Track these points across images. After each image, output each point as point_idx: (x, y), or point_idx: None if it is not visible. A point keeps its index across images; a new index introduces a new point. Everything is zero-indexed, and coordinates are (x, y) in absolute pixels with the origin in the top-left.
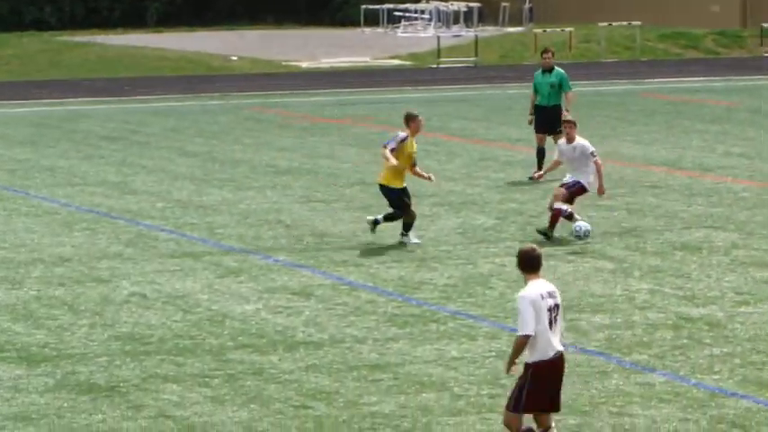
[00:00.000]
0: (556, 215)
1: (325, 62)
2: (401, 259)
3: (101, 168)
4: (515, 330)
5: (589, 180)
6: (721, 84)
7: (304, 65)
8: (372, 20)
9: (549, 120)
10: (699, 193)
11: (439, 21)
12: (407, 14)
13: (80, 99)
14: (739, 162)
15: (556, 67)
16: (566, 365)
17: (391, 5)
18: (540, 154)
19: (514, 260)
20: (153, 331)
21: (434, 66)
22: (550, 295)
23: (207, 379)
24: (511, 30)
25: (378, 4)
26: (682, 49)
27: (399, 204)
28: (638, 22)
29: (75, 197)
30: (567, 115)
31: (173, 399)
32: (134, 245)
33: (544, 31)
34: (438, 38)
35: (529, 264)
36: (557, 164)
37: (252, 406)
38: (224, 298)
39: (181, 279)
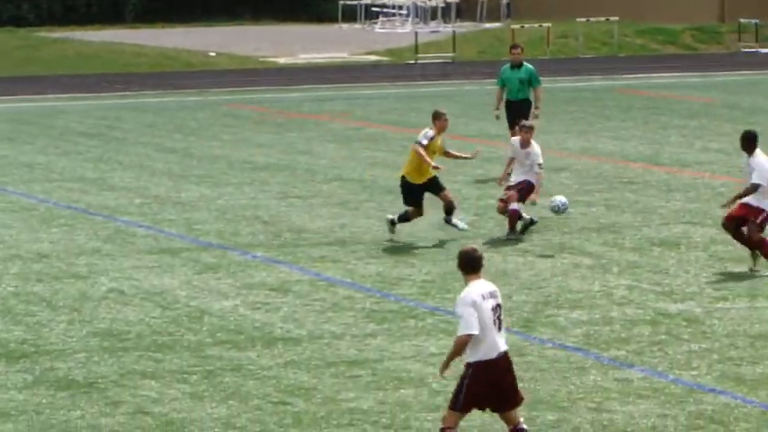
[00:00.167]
0: (513, 216)
1: (303, 58)
2: (379, 255)
3: (78, 164)
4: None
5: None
6: (699, 79)
7: (281, 61)
8: (350, 15)
9: (519, 114)
10: (677, 189)
11: (417, 16)
12: (385, 10)
13: (58, 95)
14: (717, 157)
15: (525, 63)
16: (512, 363)
17: (369, 1)
18: None
19: (494, 256)
20: (131, 327)
21: (412, 61)
22: (492, 295)
23: (185, 375)
24: (489, 25)
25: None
26: (659, 44)
27: (413, 201)
28: (616, 18)
29: (52, 193)
30: (527, 122)
31: (151, 395)
32: (112, 241)
33: (522, 26)
34: (416, 33)
35: (469, 264)
36: (512, 161)
37: (230, 402)
38: (202, 294)
39: (159, 275)
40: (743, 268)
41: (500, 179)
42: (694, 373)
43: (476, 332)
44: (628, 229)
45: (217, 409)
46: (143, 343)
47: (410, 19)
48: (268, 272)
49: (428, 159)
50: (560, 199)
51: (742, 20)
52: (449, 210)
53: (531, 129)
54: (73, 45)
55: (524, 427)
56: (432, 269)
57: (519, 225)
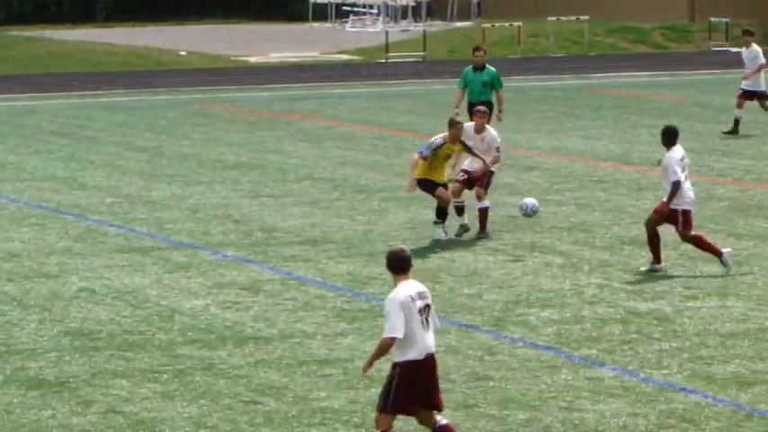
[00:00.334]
0: (483, 213)
1: (274, 57)
2: (350, 254)
3: (49, 164)
4: (463, 325)
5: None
6: (669, 78)
7: (252, 59)
8: (321, 14)
9: None
10: (647, 188)
11: (387, 15)
12: (356, 9)
13: (29, 94)
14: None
15: (487, 65)
16: (437, 365)
17: (339, 0)
18: None
19: (465, 255)
20: (102, 327)
21: (383, 60)
22: (420, 296)
23: (156, 374)
24: (459, 24)
25: None
26: (630, 43)
27: (432, 189)
28: (587, 17)
29: (23, 192)
30: (481, 107)
31: (122, 394)
32: (83, 240)
33: (493, 25)
34: (386, 32)
35: (398, 265)
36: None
37: (201, 401)
38: (173, 293)
39: (130, 274)
40: (713, 267)
41: (453, 164)
42: (665, 371)
43: (399, 336)
44: (598, 228)
45: (188, 408)
46: (114, 342)
47: (381, 18)
48: (239, 271)
49: (412, 174)
50: (530, 201)
51: (712, 19)
52: (441, 212)
53: (485, 113)
54: (44, 44)
55: (444, 422)
56: None
57: (455, 229)
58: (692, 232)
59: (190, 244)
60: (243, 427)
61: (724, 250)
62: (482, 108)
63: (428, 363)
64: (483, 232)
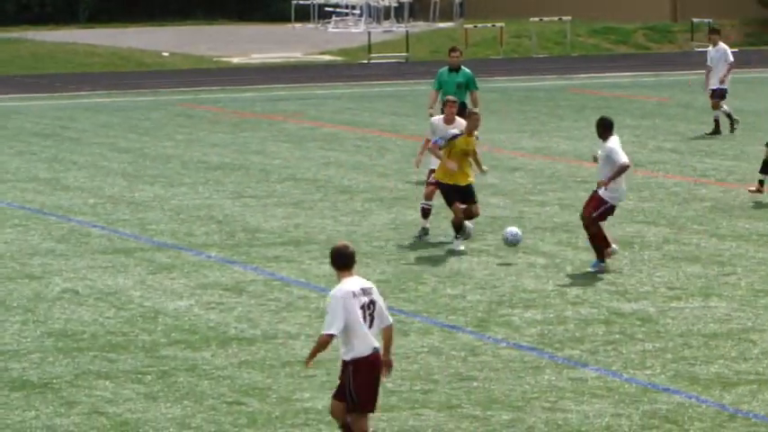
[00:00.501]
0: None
1: (256, 58)
2: None
3: (32, 164)
4: (447, 326)
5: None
6: (651, 79)
7: (235, 60)
8: (303, 15)
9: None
10: (630, 189)
11: (370, 16)
12: (338, 10)
13: (11, 95)
14: (670, 157)
15: (463, 67)
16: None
17: (322, 1)
18: None
19: (448, 256)
20: (85, 328)
21: (365, 61)
22: (364, 292)
23: (140, 375)
24: (442, 25)
25: None
26: (612, 44)
27: (449, 202)
28: (569, 18)
29: (6, 193)
30: (451, 96)
31: (105, 395)
32: (66, 241)
33: (475, 26)
34: (369, 33)
35: (341, 261)
36: (428, 143)
37: (185, 402)
38: (156, 294)
39: (113, 275)
40: (696, 267)
41: (416, 161)
42: (648, 372)
43: (334, 332)
44: (581, 229)
45: (171, 409)
46: (97, 343)
47: (363, 19)
48: (222, 272)
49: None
50: (512, 231)
51: (694, 19)
52: (455, 227)
53: (455, 102)
54: (26, 45)
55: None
56: (386, 269)
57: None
58: (595, 227)
59: (173, 245)
60: (227, 427)
61: (613, 246)
62: (452, 98)
63: (374, 358)
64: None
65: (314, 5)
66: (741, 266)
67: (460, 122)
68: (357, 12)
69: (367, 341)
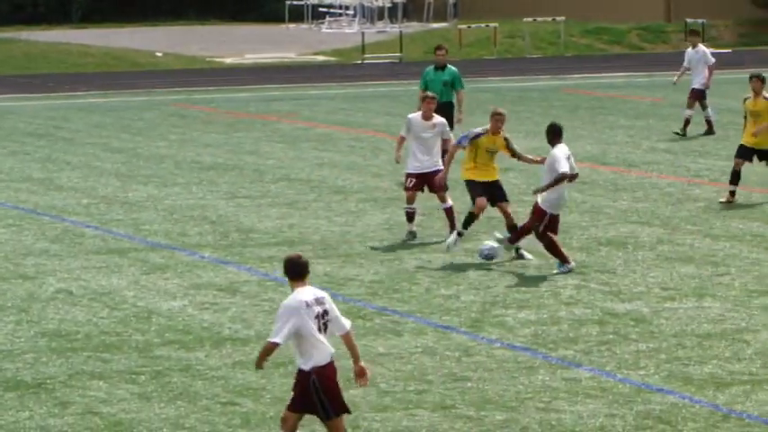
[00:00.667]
0: (449, 213)
1: (250, 58)
2: (327, 255)
3: (26, 165)
4: (440, 326)
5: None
6: (645, 79)
7: (228, 60)
8: (297, 16)
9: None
10: (624, 189)
11: (363, 17)
12: (332, 10)
13: (4, 95)
14: (664, 158)
15: (448, 65)
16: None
17: (316, 1)
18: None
19: (442, 256)
20: (79, 328)
21: (359, 62)
22: (318, 302)
23: (134, 375)
24: (436, 25)
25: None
26: (606, 44)
27: (471, 195)
28: (563, 18)
29: (0, 194)
30: (430, 92)
31: (99, 395)
32: (60, 241)
33: (469, 26)
34: (363, 34)
35: (295, 271)
36: (402, 140)
37: (179, 402)
38: (150, 294)
39: (107, 275)
40: (690, 268)
41: (396, 157)
42: (642, 372)
43: (279, 341)
44: (575, 229)
45: (165, 409)
46: (91, 343)
47: (357, 19)
48: (216, 272)
49: (446, 166)
50: (489, 245)
51: (688, 19)
52: (510, 228)
53: (433, 98)
54: (20, 45)
55: None
56: (379, 269)
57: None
58: (546, 239)
59: (167, 245)
60: (221, 428)
61: (572, 263)
62: (431, 93)
63: (332, 367)
64: (453, 230)
65: (308, 6)
66: (735, 267)
67: (440, 119)
68: (351, 12)
69: (324, 349)
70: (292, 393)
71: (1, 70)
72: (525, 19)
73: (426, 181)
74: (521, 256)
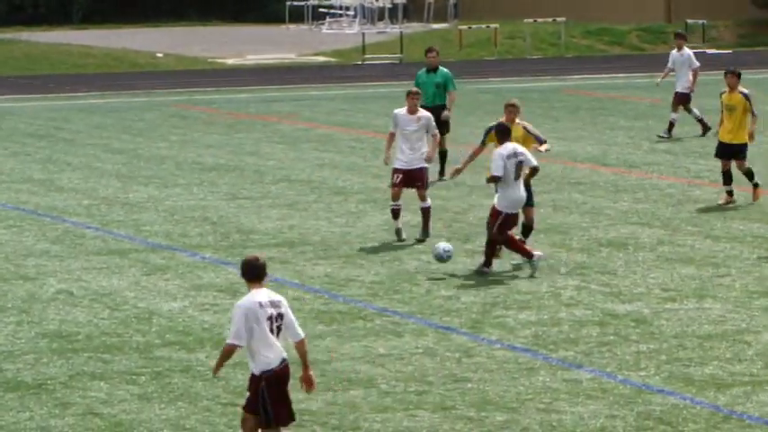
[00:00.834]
0: (426, 213)
1: (251, 59)
2: (328, 256)
3: (26, 165)
4: (441, 327)
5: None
6: (646, 80)
7: (229, 61)
8: (297, 16)
9: (434, 120)
10: (624, 190)
11: (364, 17)
12: (332, 11)
13: (5, 96)
14: (664, 158)
15: (440, 67)
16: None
17: (316, 2)
18: (442, 156)
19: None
20: (80, 329)
21: (359, 62)
22: (272, 305)
23: (134, 376)
24: (436, 26)
25: (302, 0)
26: (606, 45)
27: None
28: (563, 19)
29: (0, 195)
30: (413, 88)
31: (100, 396)
32: (60, 242)
33: (469, 27)
34: (363, 34)
35: (251, 273)
36: (392, 137)
37: (179, 403)
38: (151, 295)
39: (107, 276)
40: (690, 269)
41: (385, 158)
42: (643, 373)
43: (238, 342)
44: (575, 230)
45: (166, 410)
46: (92, 344)
47: (357, 20)
48: (216, 273)
49: (465, 161)
50: (442, 246)
51: (689, 20)
52: (526, 228)
53: (417, 93)
54: (20, 46)
55: None
56: (380, 270)
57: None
58: (503, 237)
59: (167, 246)
60: (221, 429)
61: (536, 253)
62: (415, 90)
63: (284, 371)
64: (425, 233)
65: (308, 6)
66: (735, 268)
67: (424, 113)
68: (351, 13)
69: (276, 352)
70: (248, 393)
71: (2, 71)
72: (526, 20)
73: (409, 177)
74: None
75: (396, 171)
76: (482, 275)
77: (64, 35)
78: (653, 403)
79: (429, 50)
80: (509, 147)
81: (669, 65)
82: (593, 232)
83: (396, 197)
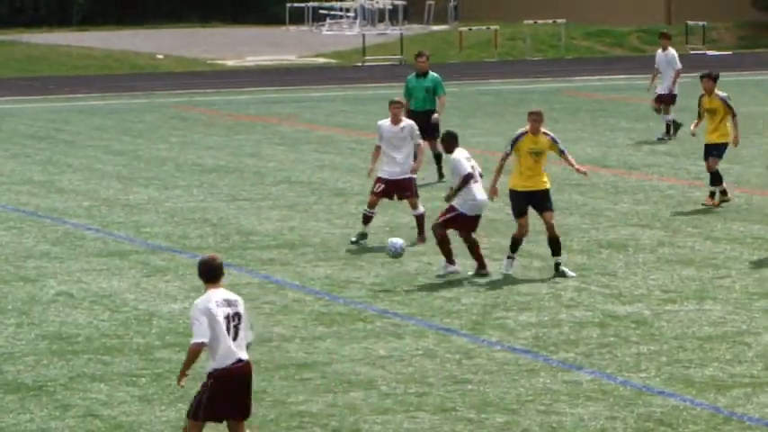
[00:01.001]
0: (420, 220)
1: (251, 60)
2: (328, 258)
3: (27, 167)
4: (441, 329)
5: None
6: (646, 82)
7: (229, 63)
8: (297, 18)
9: (424, 125)
10: (624, 191)
11: (364, 19)
12: (332, 13)
13: (5, 98)
14: (664, 160)
15: (430, 72)
16: (252, 373)
17: (316, 3)
18: (437, 159)
19: (441, 259)
20: (80, 330)
21: (359, 64)
22: (228, 304)
23: (134, 378)
24: (436, 28)
25: (303, 2)
26: (606, 46)
27: (516, 212)
28: (563, 20)
29: (0, 196)
30: (396, 97)
31: (100, 398)
32: (61, 244)
33: (470, 29)
34: (363, 36)
35: (209, 273)
36: (378, 150)
37: (179, 405)
38: (151, 297)
39: (108, 278)
40: (691, 270)
41: (369, 170)
42: (643, 375)
43: (204, 340)
44: (576, 232)
45: (166, 412)
46: (92, 346)
47: (357, 21)
48: None
49: (495, 176)
50: (396, 242)
51: (689, 22)
52: (552, 241)
53: (399, 103)
54: (20, 48)
55: None
56: (380, 272)
57: (358, 235)
58: (441, 231)
59: (167, 247)
60: (221, 429)
61: (453, 265)
62: (398, 98)
63: (239, 370)
64: (421, 237)
65: (308, 8)
66: (735, 269)
67: (408, 122)
68: (351, 14)
69: (230, 352)
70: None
71: (2, 73)
72: (526, 21)
73: (396, 188)
74: (562, 274)
75: (379, 180)
76: (482, 277)
77: (64, 37)
78: (653, 405)
79: (419, 55)
80: (464, 151)
81: (656, 65)
82: (593, 234)
83: (372, 205)
